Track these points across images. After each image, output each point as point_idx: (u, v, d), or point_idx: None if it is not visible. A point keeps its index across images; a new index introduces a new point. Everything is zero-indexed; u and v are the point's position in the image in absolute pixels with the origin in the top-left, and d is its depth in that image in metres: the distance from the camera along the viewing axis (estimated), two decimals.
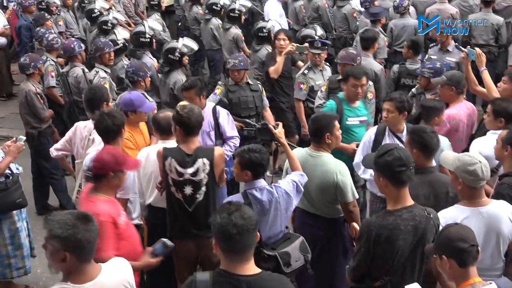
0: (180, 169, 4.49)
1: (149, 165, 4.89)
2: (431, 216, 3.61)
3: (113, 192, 4.07)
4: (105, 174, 3.89)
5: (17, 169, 5.39)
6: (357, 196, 4.59)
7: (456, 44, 8.01)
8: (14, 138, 5.38)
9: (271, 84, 7.72)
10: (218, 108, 6.05)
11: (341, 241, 4.74)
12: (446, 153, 4.06)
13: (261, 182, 4.10)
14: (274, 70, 7.59)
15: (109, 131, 4.66)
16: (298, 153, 4.71)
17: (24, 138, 5.49)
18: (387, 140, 5.11)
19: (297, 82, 7.25)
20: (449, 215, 3.72)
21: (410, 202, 3.61)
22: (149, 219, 5.06)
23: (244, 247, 2.88)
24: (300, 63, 8.09)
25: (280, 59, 7.56)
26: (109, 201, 3.92)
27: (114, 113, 4.79)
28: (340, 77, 6.57)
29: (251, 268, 2.91)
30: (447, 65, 7.00)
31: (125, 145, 5.17)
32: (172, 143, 4.81)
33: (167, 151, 4.58)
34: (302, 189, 4.25)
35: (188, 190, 4.51)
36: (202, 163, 4.50)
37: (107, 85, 6.84)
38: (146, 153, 4.98)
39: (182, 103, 4.71)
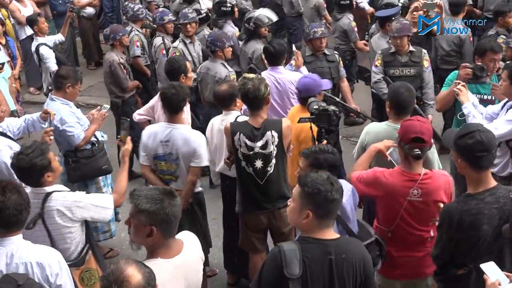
0: (249, 143, 4.51)
1: (214, 136, 5.02)
2: None
3: None
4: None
5: (102, 136, 5.61)
6: (441, 166, 4.39)
7: None
8: (98, 107, 5.61)
9: None
10: None
11: None
12: None
13: None
14: None
15: (179, 102, 4.68)
16: (379, 127, 4.53)
17: (108, 106, 5.70)
18: (503, 113, 4.76)
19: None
20: None
21: (492, 183, 3.38)
22: (221, 186, 5.20)
23: (337, 210, 2.98)
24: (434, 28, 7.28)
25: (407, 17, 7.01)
26: None
27: (182, 85, 4.88)
28: (393, 49, 6.35)
29: (333, 233, 2.98)
30: None
31: None
32: (235, 114, 4.90)
33: (235, 126, 4.60)
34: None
35: (258, 163, 4.53)
36: (271, 135, 4.50)
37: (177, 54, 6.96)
38: (211, 124, 5.11)
39: (248, 75, 4.70)
